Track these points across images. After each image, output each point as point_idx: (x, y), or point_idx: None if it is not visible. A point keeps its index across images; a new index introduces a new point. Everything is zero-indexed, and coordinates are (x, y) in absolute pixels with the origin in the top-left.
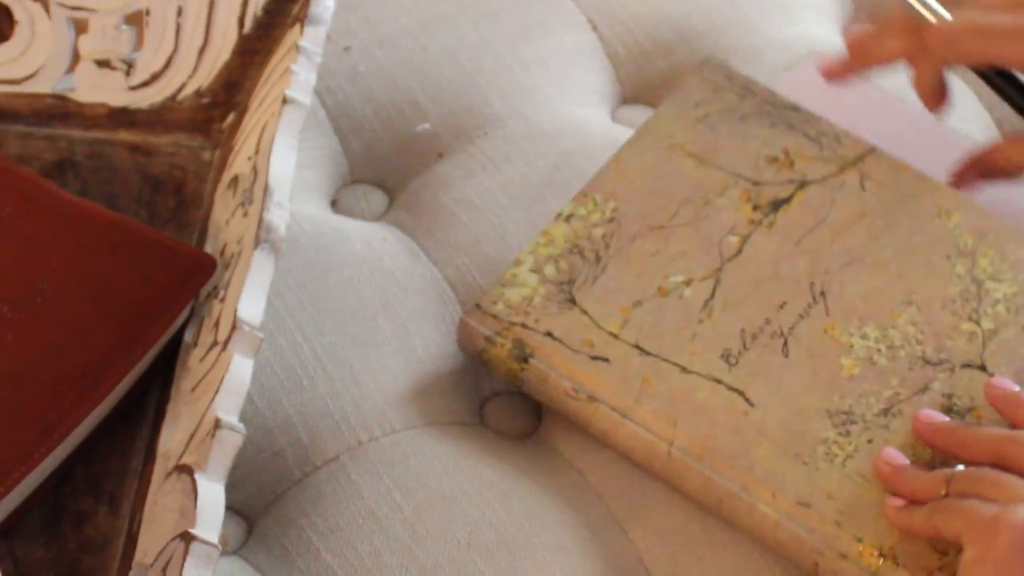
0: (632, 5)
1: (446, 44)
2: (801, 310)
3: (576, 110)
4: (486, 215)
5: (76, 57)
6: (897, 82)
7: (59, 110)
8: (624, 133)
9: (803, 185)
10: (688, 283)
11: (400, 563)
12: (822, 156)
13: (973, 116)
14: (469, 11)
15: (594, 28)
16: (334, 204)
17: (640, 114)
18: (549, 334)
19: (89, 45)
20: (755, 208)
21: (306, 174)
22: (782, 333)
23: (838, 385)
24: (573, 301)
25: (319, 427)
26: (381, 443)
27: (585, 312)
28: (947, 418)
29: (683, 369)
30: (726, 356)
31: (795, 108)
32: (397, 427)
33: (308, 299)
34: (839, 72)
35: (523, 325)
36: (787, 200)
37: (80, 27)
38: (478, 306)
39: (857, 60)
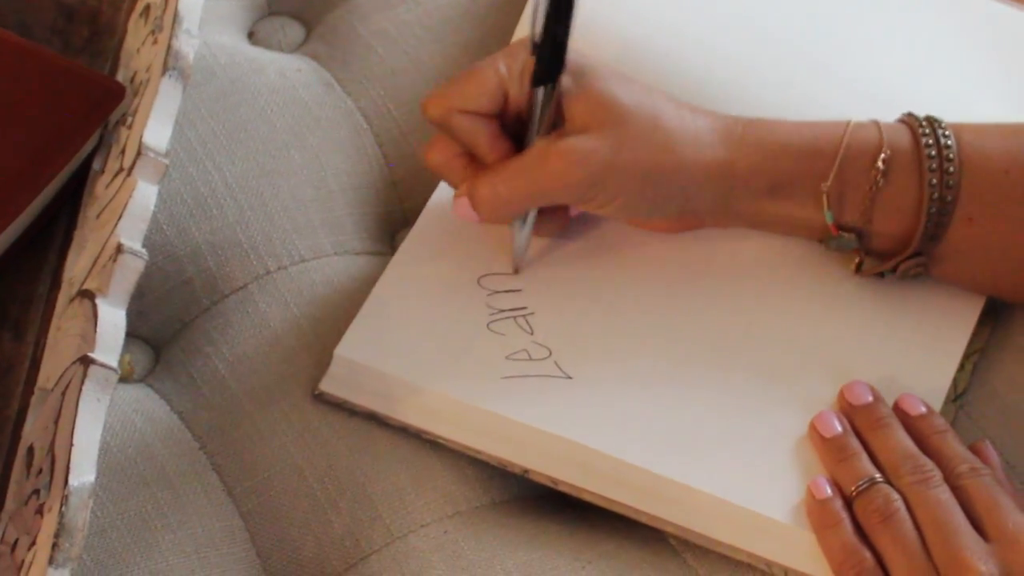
0: None
1: None
2: None
3: None
4: (402, 47)
5: None
6: None
7: None
8: None
9: None
10: None
11: (304, 389)
12: None
13: None
14: None
15: None
16: (251, 36)
17: None
18: None
19: None
20: None
21: (223, 5)
22: None
23: None
24: None
25: (228, 256)
26: (289, 272)
27: None
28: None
29: None
30: None
31: None
32: (306, 256)
33: (220, 129)
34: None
35: None
36: None
37: None
38: None
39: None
